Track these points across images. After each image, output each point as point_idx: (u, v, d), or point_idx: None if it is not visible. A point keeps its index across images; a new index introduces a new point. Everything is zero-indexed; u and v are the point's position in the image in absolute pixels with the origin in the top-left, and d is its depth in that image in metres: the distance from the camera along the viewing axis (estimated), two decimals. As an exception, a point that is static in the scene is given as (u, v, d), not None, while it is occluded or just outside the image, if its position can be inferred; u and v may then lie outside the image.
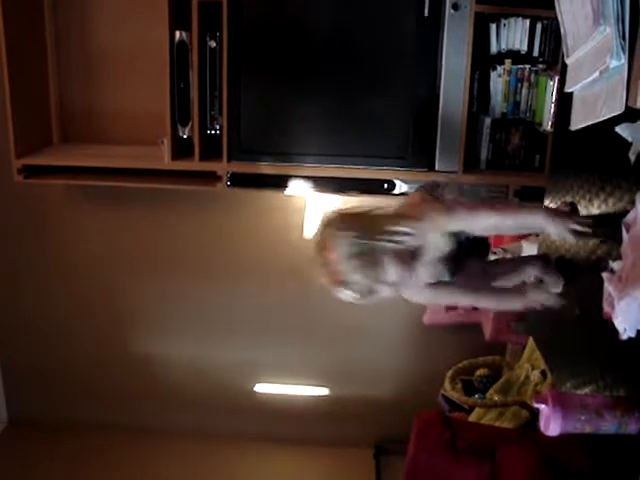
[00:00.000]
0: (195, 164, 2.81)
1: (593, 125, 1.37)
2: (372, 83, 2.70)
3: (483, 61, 2.68)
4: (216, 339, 3.59)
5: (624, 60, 1.21)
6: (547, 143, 2.67)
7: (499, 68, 2.66)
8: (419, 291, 1.48)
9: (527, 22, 2.59)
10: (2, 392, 3.77)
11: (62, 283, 3.51)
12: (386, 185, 2.77)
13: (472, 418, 2.95)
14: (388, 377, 3.60)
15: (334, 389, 3.66)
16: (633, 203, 1.16)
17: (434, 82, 2.64)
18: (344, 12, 2.68)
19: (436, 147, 2.70)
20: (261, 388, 3.67)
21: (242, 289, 3.47)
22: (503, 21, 2.60)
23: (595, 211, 1.39)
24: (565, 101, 1.54)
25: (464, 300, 1.58)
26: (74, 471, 3.44)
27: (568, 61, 1.50)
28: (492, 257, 2.62)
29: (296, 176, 2.80)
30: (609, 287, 1.16)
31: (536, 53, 2.63)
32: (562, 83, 1.57)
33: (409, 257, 1.36)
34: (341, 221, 1.37)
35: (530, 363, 2.95)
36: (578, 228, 1.36)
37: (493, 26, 2.62)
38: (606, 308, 1.17)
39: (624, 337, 1.11)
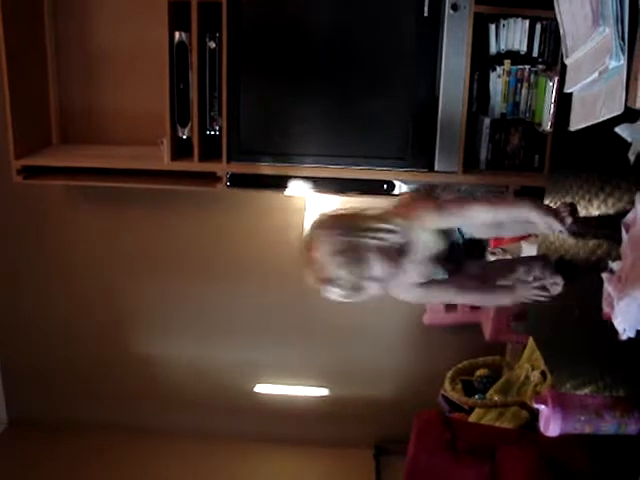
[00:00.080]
0: (195, 165, 2.81)
1: (592, 125, 1.37)
2: (372, 84, 2.70)
3: (482, 61, 2.68)
4: (216, 339, 3.59)
5: (623, 61, 1.21)
6: (546, 143, 2.68)
7: (498, 69, 2.66)
8: (408, 289, 1.48)
9: (526, 23, 2.59)
10: (2, 392, 3.77)
11: (62, 283, 3.51)
12: (386, 186, 2.77)
13: (472, 418, 2.95)
14: (388, 377, 3.60)
15: (334, 389, 3.66)
16: (632, 203, 1.16)
17: (434, 83, 2.64)
18: (344, 13, 2.68)
19: (436, 147, 2.70)
20: (261, 388, 3.67)
21: (242, 289, 3.47)
22: (502, 22, 2.60)
23: (595, 211, 1.39)
24: (564, 101, 1.54)
25: (450, 297, 1.57)
26: (74, 471, 3.44)
27: (567, 62, 1.50)
28: (492, 258, 2.62)
29: (296, 177, 2.80)
30: (609, 287, 1.16)
31: (535, 54, 2.63)
32: (561, 84, 1.57)
33: (395, 254, 1.37)
34: (326, 221, 1.38)
35: (530, 363, 2.95)
36: (564, 215, 1.39)
37: (492, 26, 2.62)
38: (606, 308, 1.17)
39: (624, 337, 1.11)
